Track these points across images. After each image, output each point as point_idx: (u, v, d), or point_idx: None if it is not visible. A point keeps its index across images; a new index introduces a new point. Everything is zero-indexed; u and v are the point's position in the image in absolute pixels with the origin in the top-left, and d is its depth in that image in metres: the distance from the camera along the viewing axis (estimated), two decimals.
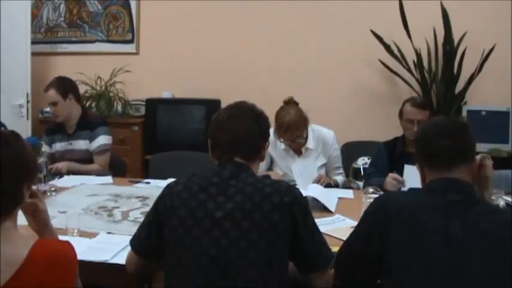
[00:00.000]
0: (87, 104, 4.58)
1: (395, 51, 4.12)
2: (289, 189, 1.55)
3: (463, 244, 1.37)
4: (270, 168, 3.11)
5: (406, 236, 1.41)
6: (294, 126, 2.92)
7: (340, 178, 3.17)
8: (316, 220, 2.04)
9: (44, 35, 5.06)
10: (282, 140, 2.99)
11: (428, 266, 1.37)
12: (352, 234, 1.57)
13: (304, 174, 2.99)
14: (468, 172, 1.54)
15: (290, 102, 3.02)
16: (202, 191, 1.53)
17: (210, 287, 1.44)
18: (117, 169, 3.44)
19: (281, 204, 1.49)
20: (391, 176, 2.66)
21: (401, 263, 1.40)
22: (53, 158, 3.20)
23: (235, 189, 1.52)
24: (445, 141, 1.53)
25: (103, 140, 3.26)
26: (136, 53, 4.88)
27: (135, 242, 1.65)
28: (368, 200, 2.16)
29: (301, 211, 1.53)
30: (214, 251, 1.45)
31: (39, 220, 1.50)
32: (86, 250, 1.80)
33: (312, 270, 1.57)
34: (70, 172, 3.12)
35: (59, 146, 3.27)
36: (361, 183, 3.03)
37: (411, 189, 1.67)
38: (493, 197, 2.16)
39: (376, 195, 2.23)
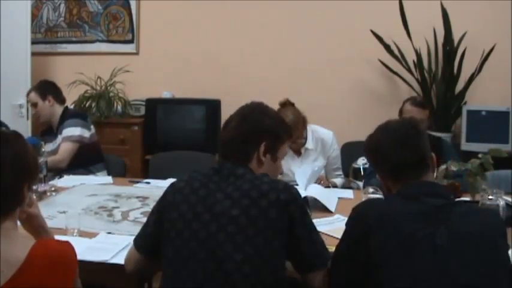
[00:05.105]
0: (87, 104, 4.58)
1: (396, 51, 4.12)
2: (286, 188, 1.55)
3: (450, 251, 1.36)
4: None
5: (392, 247, 1.39)
6: (293, 128, 2.91)
7: (339, 180, 3.17)
8: (316, 220, 2.06)
9: (44, 35, 5.05)
10: None
11: (418, 277, 1.35)
12: (338, 249, 1.56)
13: (304, 174, 2.99)
14: (433, 173, 1.57)
15: (286, 104, 3.02)
16: (203, 187, 1.56)
17: (207, 280, 1.45)
18: (117, 169, 3.45)
19: (277, 201, 1.50)
20: None
21: (390, 275, 1.38)
22: None
23: (233, 187, 1.54)
24: (407, 151, 1.53)
25: (66, 132, 3.26)
26: (136, 53, 4.88)
27: (139, 240, 1.66)
28: None
29: (298, 210, 1.53)
30: (211, 245, 1.47)
31: (33, 224, 1.50)
32: (86, 250, 1.79)
33: (309, 269, 1.58)
34: None
35: (48, 147, 3.28)
36: (361, 183, 3.03)
37: (388, 196, 1.61)
38: (493, 197, 2.16)
39: (376, 195, 2.23)
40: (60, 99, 3.40)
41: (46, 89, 3.37)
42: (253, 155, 1.63)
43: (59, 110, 3.37)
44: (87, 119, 3.42)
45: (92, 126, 3.43)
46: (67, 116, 3.35)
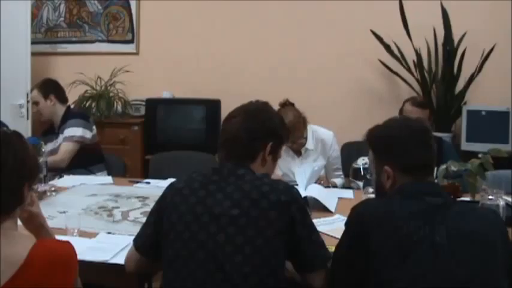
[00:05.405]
0: (87, 104, 4.58)
1: (395, 51, 4.12)
2: (287, 189, 1.56)
3: (449, 250, 1.37)
4: None
5: (392, 247, 1.39)
6: (293, 128, 2.92)
7: (339, 180, 3.17)
8: (316, 220, 2.06)
9: (44, 35, 5.06)
10: None
11: (417, 276, 1.35)
12: (337, 249, 1.55)
13: (304, 174, 2.99)
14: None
15: (286, 104, 3.03)
16: (202, 188, 1.55)
17: (207, 281, 1.45)
18: (117, 169, 3.45)
19: (278, 202, 1.50)
20: None
21: (390, 274, 1.38)
22: None
23: (233, 187, 1.54)
24: (426, 151, 1.54)
25: (67, 132, 3.27)
26: (136, 53, 4.88)
27: (138, 240, 1.66)
28: None
29: (299, 211, 1.53)
30: (211, 246, 1.47)
31: (34, 223, 1.50)
32: (86, 250, 1.79)
33: (309, 270, 1.58)
34: None
35: (49, 147, 3.28)
36: (361, 183, 3.03)
37: (387, 195, 1.60)
38: (493, 197, 2.16)
39: None
40: (62, 99, 3.41)
41: (49, 88, 3.38)
42: (260, 153, 1.64)
43: (60, 109, 3.38)
44: (89, 119, 3.43)
45: (94, 127, 3.43)
46: (69, 116, 3.35)
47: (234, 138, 1.63)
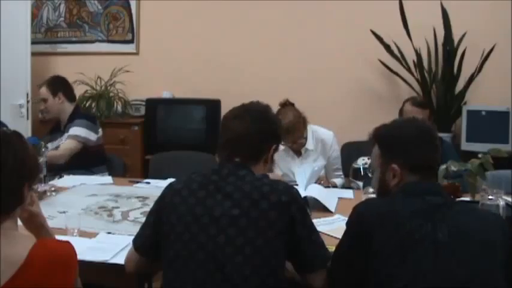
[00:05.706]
0: (87, 104, 4.59)
1: (395, 51, 4.12)
2: (287, 189, 1.56)
3: (450, 248, 1.37)
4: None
5: (393, 246, 1.39)
6: (294, 128, 2.92)
7: (339, 180, 3.17)
8: (316, 220, 2.06)
9: (44, 35, 5.06)
10: (283, 143, 2.99)
11: (418, 275, 1.35)
12: (338, 249, 1.55)
13: (304, 174, 2.99)
14: None
15: (286, 104, 3.03)
16: (202, 189, 1.55)
17: (207, 281, 1.46)
18: (117, 169, 3.45)
19: (279, 203, 1.50)
20: None
21: (391, 273, 1.38)
22: None
23: (233, 187, 1.53)
24: (433, 152, 1.56)
25: (72, 131, 3.27)
26: (136, 53, 4.88)
27: (138, 241, 1.66)
28: None
29: (299, 211, 1.54)
30: (211, 247, 1.47)
31: (35, 223, 1.50)
32: (86, 250, 1.79)
33: (309, 270, 1.58)
34: None
35: (54, 145, 3.29)
36: (361, 183, 3.03)
37: (388, 194, 1.59)
38: (493, 197, 2.16)
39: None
40: (71, 97, 3.41)
41: (57, 85, 3.37)
42: (264, 155, 1.65)
43: (68, 107, 3.38)
44: (96, 121, 3.42)
45: (100, 130, 3.42)
46: (77, 115, 3.35)
47: (241, 138, 1.62)
